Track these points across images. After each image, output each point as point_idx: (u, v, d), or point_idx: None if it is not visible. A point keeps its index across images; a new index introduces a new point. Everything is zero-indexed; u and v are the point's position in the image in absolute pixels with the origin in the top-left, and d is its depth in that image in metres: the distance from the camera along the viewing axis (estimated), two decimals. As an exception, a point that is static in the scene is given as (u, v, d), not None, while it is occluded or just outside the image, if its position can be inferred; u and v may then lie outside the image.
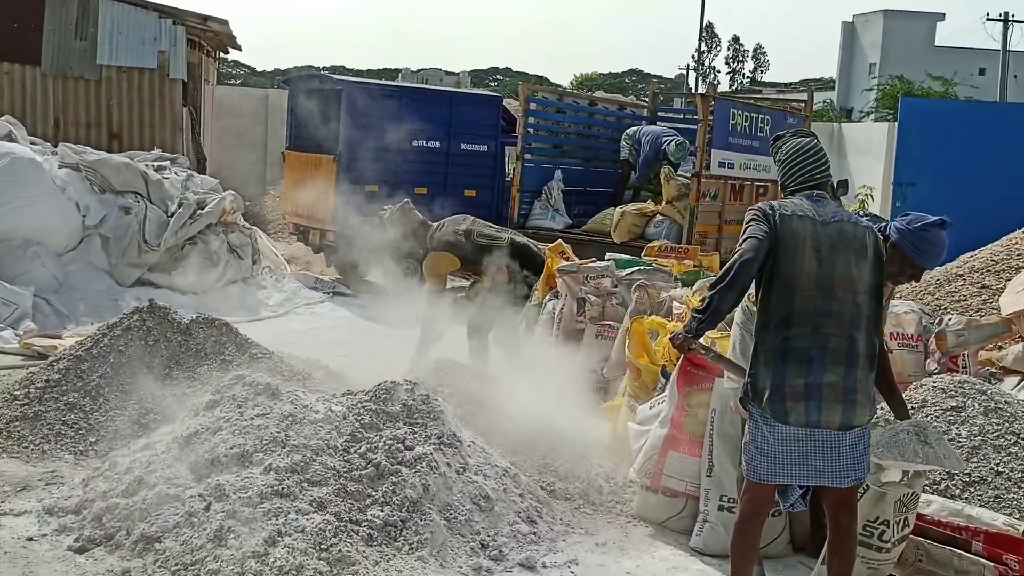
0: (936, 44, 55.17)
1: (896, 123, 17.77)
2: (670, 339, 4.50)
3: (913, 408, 5.85)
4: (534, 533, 5.19)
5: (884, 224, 4.86)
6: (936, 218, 4.71)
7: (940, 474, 5.41)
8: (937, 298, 8.97)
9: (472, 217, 7.96)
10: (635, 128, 13.99)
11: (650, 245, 10.14)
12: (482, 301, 7.65)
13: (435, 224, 7.84)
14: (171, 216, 11.47)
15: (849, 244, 4.12)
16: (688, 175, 12.33)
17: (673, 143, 13.25)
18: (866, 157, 21.13)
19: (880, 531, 4.71)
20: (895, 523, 4.74)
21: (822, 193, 4.26)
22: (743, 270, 4.12)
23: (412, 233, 7.75)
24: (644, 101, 16.64)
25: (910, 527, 4.84)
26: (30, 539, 4.91)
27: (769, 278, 4.16)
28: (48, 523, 5.09)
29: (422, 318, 7.90)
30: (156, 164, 12.50)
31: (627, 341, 6.95)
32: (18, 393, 6.43)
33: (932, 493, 5.29)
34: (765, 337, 4.14)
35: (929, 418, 5.72)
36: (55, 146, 12.20)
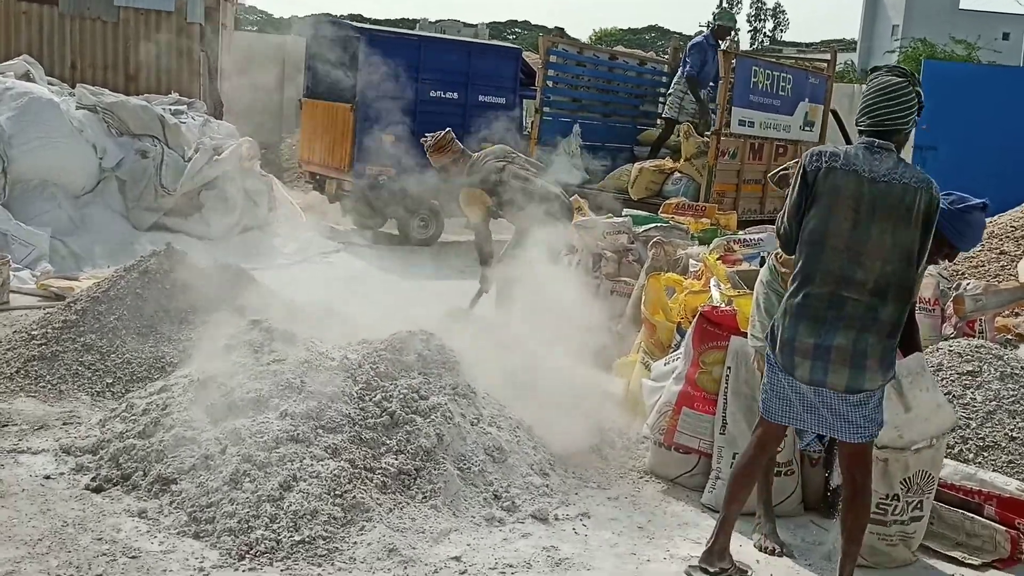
0: (960, 7, 54.51)
1: (918, 86, 17.60)
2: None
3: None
4: (547, 486, 5.22)
5: None
6: (979, 201, 4.61)
7: (954, 438, 5.42)
8: (955, 263, 8.93)
9: (514, 154, 7.81)
10: (675, 78, 13.80)
11: (668, 202, 10.11)
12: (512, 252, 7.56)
13: (476, 155, 7.70)
14: (188, 161, 11.45)
15: (893, 207, 3.98)
16: (708, 133, 12.25)
17: (718, 11, 13.07)
18: (886, 120, 20.91)
19: (893, 506, 4.71)
20: (905, 500, 4.73)
21: (886, 144, 4.07)
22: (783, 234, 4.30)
23: (452, 163, 7.64)
24: (664, 57, 16.47)
25: (925, 513, 4.82)
26: (47, 477, 4.96)
27: (801, 231, 4.14)
28: (65, 462, 5.14)
29: (476, 248, 7.80)
30: (173, 108, 12.46)
31: (643, 297, 6.95)
32: (36, 333, 6.47)
33: (946, 457, 5.29)
34: (791, 289, 4.17)
35: (944, 382, 5.72)
36: (72, 87, 12.16)
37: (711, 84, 13.30)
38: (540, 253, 7.14)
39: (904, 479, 4.69)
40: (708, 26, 13.93)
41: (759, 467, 4.47)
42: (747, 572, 4.55)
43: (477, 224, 7.62)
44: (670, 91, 13.76)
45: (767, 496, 4.98)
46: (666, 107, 13.80)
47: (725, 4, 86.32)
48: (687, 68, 13.25)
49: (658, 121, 14.26)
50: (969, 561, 4.82)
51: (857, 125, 4.18)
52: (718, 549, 4.45)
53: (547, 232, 7.21)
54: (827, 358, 4.05)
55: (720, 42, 13.36)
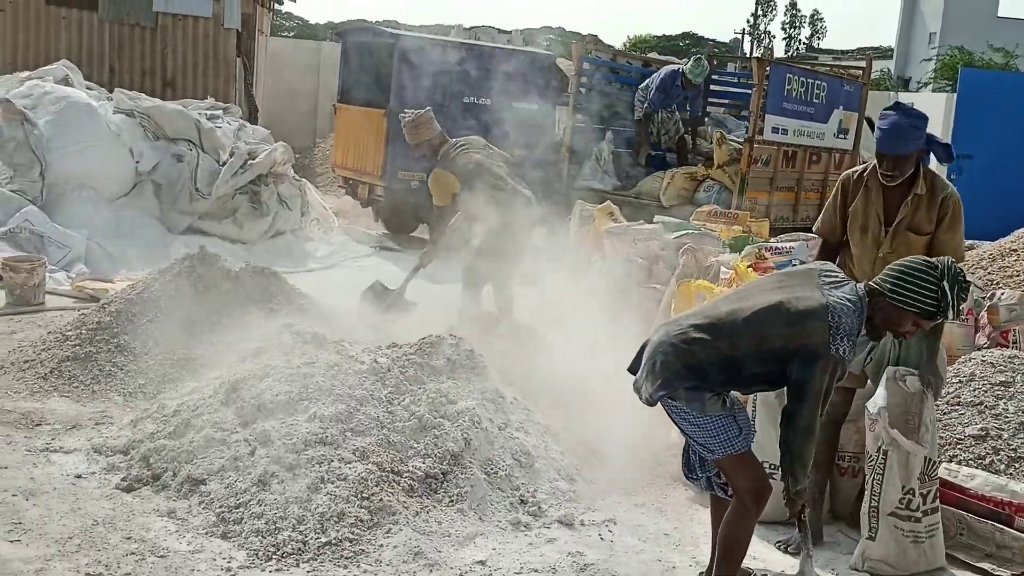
0: (999, 15, 53.95)
1: (954, 94, 17.45)
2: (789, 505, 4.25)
3: (961, 382, 5.80)
4: (573, 491, 5.22)
5: None
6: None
7: (985, 449, 5.37)
8: (990, 272, 8.84)
9: (492, 149, 7.85)
10: (646, 82, 13.78)
11: (699, 209, 10.08)
12: (480, 245, 7.60)
13: (454, 141, 7.74)
14: (222, 165, 11.54)
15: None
16: (740, 140, 12.20)
17: (691, 61, 13.06)
18: (922, 128, 20.75)
19: (908, 500, 4.70)
20: (920, 493, 4.71)
21: (863, 296, 4.03)
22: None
23: (428, 143, 7.67)
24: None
25: (937, 501, 4.80)
26: (79, 476, 5.02)
27: None
28: (97, 461, 5.20)
29: (431, 228, 7.87)
30: (209, 113, 12.56)
31: (673, 304, 6.93)
32: (70, 334, 6.55)
33: (976, 467, 5.25)
34: None
35: (977, 392, 5.67)
36: (110, 92, 12.30)
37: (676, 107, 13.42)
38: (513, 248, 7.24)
39: (921, 472, 4.69)
40: (691, 57, 14.02)
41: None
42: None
43: (441, 208, 7.61)
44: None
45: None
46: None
47: (760, 11, 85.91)
48: (645, 106, 13.36)
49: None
50: (998, 573, 4.77)
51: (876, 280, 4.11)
52: None
53: (513, 228, 7.31)
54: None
55: (686, 89, 13.32)
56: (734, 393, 4.18)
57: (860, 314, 3.94)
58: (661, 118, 13.37)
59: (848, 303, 3.92)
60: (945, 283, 3.92)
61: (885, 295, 3.98)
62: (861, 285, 4.06)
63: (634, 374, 4.19)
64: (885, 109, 4.95)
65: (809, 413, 3.89)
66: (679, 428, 4.14)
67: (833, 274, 4.12)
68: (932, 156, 5.02)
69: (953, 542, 4.96)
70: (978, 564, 4.85)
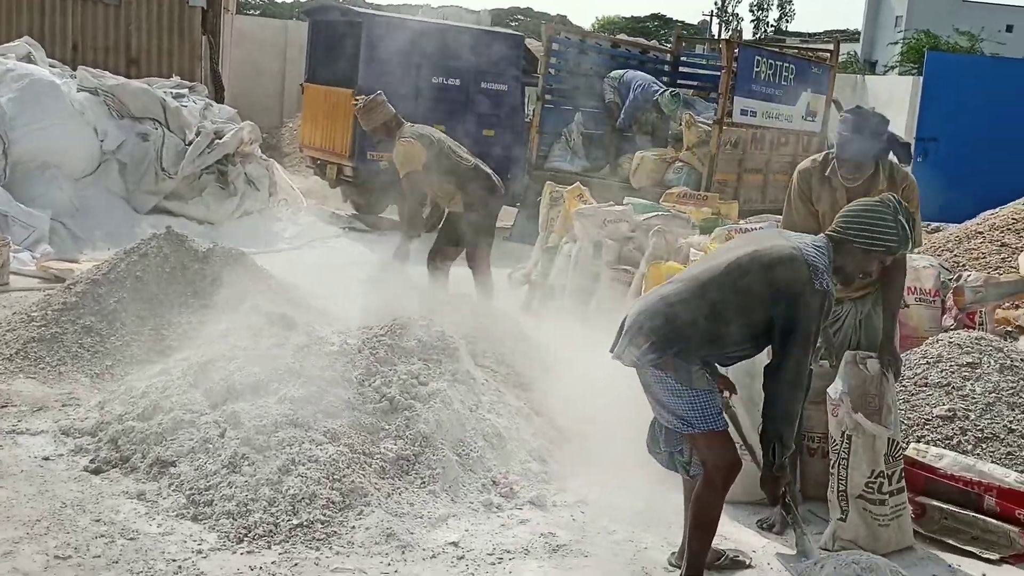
0: (964, -1, 54.39)
1: (920, 77, 17.56)
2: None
3: (928, 363, 5.85)
4: (545, 472, 5.23)
5: None
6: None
7: (953, 429, 5.42)
8: (956, 255, 8.94)
9: (445, 135, 7.85)
10: (620, 71, 13.80)
11: (669, 191, 10.10)
12: (444, 225, 7.60)
13: (408, 123, 7.71)
14: (188, 144, 11.43)
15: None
16: (710, 122, 12.23)
17: (668, 94, 13.13)
18: (888, 111, 20.79)
19: (878, 483, 4.73)
20: (887, 474, 4.75)
21: (824, 243, 4.13)
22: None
23: (384, 125, 7.62)
24: (667, 46, 16.44)
25: (903, 481, 4.84)
26: (46, 459, 4.97)
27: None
28: (64, 443, 5.15)
29: (406, 209, 7.82)
30: (174, 92, 12.42)
31: (643, 286, 6.94)
32: (35, 315, 6.46)
33: (944, 448, 5.30)
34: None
35: (944, 373, 5.72)
36: (74, 70, 12.13)
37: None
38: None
39: (886, 453, 4.73)
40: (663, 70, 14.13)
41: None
42: (745, 562, 4.55)
43: (414, 177, 7.42)
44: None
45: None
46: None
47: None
48: (621, 119, 13.52)
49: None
50: (986, 556, 4.82)
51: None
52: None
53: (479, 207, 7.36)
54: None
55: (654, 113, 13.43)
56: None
57: (828, 257, 4.02)
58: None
59: (815, 246, 4.01)
60: (900, 216, 4.06)
61: (851, 241, 4.05)
62: (821, 235, 4.14)
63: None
64: (846, 111, 4.90)
65: (797, 362, 3.90)
66: (655, 399, 4.10)
67: (791, 233, 4.25)
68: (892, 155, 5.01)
69: (939, 526, 4.99)
70: (966, 547, 4.89)
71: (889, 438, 4.75)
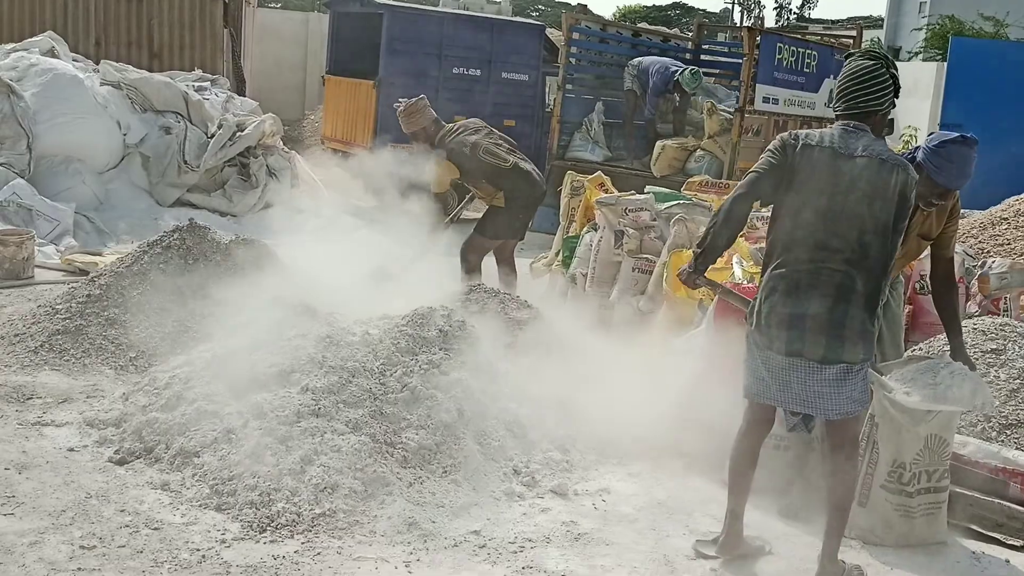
0: (989, -17, 53.83)
1: (944, 63, 17.42)
2: (677, 275, 4.45)
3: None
4: (567, 461, 5.23)
5: (916, 148, 4.83)
6: (957, 135, 4.70)
7: (976, 416, 5.39)
8: (980, 241, 8.88)
9: (487, 129, 7.80)
10: (639, 59, 13.70)
11: (690, 180, 10.06)
12: (484, 219, 7.61)
13: (448, 126, 7.70)
14: (211, 137, 11.47)
15: (870, 180, 4.00)
16: (731, 110, 12.18)
17: (688, 72, 12.99)
18: (913, 97, 20.76)
19: (898, 473, 4.69)
20: (913, 467, 4.70)
21: (860, 125, 4.10)
22: (736, 205, 4.22)
23: (423, 130, 7.63)
24: (688, 34, 16.37)
25: (945, 480, 4.79)
26: (71, 450, 5.01)
27: (779, 206, 4.19)
28: (89, 435, 5.19)
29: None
30: (196, 85, 12.48)
31: (665, 274, 6.92)
32: (60, 307, 6.51)
33: (968, 435, 5.26)
34: (767, 264, 4.22)
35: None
36: (97, 64, 12.19)
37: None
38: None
39: (920, 448, 4.67)
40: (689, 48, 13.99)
41: (748, 449, 4.41)
42: (763, 548, 4.55)
43: (438, 194, 7.55)
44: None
45: None
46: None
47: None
48: (647, 108, 13.32)
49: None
50: (1011, 542, 4.79)
51: (833, 111, 4.25)
52: (729, 541, 4.44)
53: (515, 205, 7.35)
54: (803, 327, 4.06)
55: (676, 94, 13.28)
56: None
57: (877, 139, 4.11)
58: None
59: (870, 140, 4.08)
60: (892, 69, 4.15)
61: (874, 112, 4.12)
62: (846, 123, 4.14)
63: (799, 354, 4.11)
64: (949, 142, 4.69)
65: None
66: (831, 392, 4.12)
67: (836, 133, 4.19)
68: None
69: (964, 513, 4.94)
70: (990, 534, 4.86)
71: (931, 434, 4.69)
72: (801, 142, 4.12)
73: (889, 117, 4.73)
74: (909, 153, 4.84)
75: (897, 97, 4.16)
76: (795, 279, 4.08)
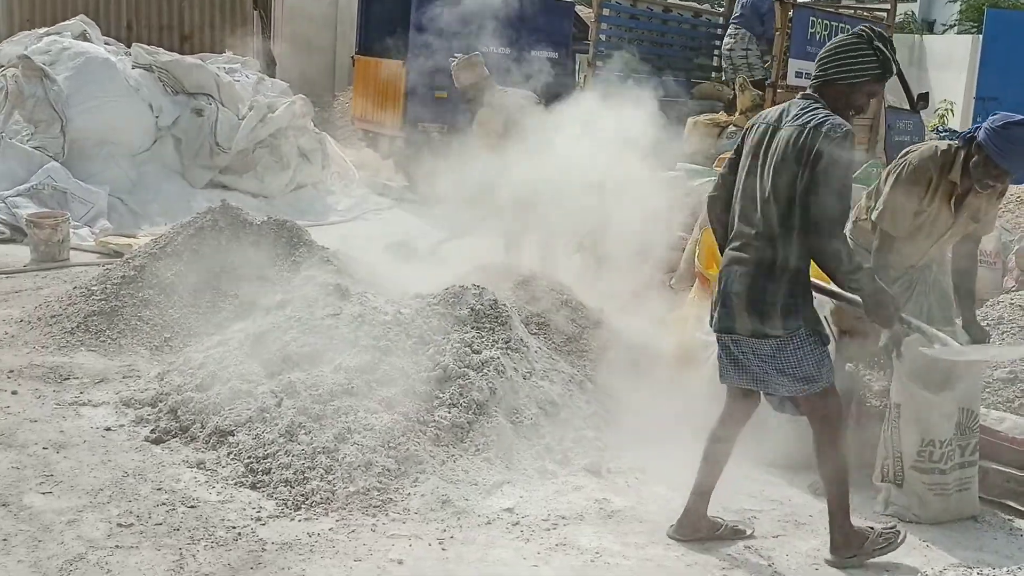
0: (1026, -46, 52.98)
1: (980, 36, 17.19)
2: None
3: (989, 325, 5.75)
4: (599, 439, 5.22)
5: (975, 127, 4.73)
6: (1020, 117, 4.57)
7: (1014, 392, 5.33)
8: (1017, 216, 8.74)
9: (537, 98, 7.77)
10: (727, 40, 13.33)
11: (721, 156, 9.98)
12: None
13: (502, 87, 7.72)
14: (242, 119, 11.51)
15: (780, 150, 3.96)
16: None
17: None
18: (947, 70, 20.47)
19: (929, 452, 4.65)
20: (944, 445, 4.66)
21: (813, 95, 4.06)
22: (708, 208, 4.36)
23: (476, 84, 7.64)
24: (719, 8, 16.21)
25: (976, 454, 4.75)
26: (108, 429, 5.06)
27: None
28: (125, 414, 5.24)
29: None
30: (227, 67, 12.52)
31: (697, 251, 6.88)
32: (95, 289, 6.57)
33: (1005, 411, 5.21)
34: None
35: (1005, 336, 5.62)
36: (128, 47, 12.25)
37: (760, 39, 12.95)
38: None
39: (958, 422, 4.64)
40: None
41: (724, 435, 4.36)
42: (743, 531, 4.49)
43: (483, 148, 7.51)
44: (734, 51, 13.19)
45: None
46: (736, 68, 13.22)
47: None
48: (765, 29, 12.79)
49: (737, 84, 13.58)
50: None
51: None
52: (685, 521, 4.36)
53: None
54: (731, 304, 4.07)
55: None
56: None
57: (823, 106, 3.99)
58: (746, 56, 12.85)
59: (806, 110, 3.98)
60: (877, 43, 4.01)
61: (833, 81, 4.03)
62: (804, 92, 4.11)
63: (726, 331, 4.13)
64: (1012, 124, 4.54)
65: (831, 204, 3.84)
66: (773, 369, 4.08)
67: (780, 110, 4.14)
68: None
69: (1001, 489, 4.90)
70: None
71: (963, 408, 4.66)
72: (751, 124, 4.17)
73: (924, 91, 4.69)
74: (968, 132, 4.75)
75: (882, 73, 4.04)
76: (727, 258, 4.12)
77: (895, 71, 4.10)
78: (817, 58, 4.13)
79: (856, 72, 4.01)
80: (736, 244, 4.10)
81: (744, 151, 4.15)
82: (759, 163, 4.04)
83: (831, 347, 4.27)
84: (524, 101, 7.57)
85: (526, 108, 7.49)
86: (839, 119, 3.92)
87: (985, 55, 15.08)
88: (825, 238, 3.87)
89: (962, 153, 4.70)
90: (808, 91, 4.10)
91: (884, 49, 4.01)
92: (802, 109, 4.00)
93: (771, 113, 4.14)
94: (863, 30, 4.08)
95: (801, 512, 4.71)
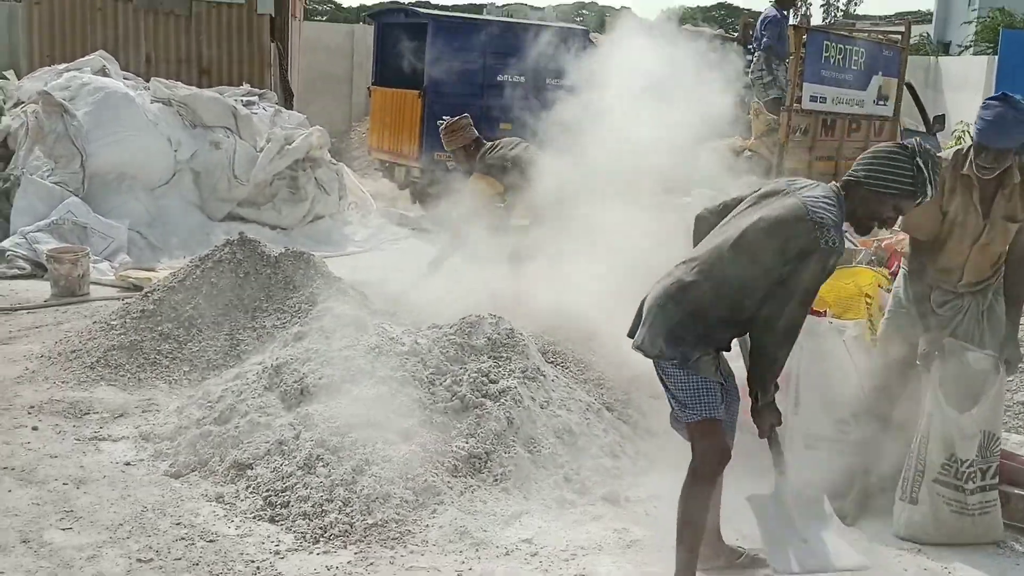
0: (1041, -27, 52.91)
1: (995, 57, 17.17)
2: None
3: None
4: (617, 467, 5.21)
5: None
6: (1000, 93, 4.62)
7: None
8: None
9: (527, 144, 7.82)
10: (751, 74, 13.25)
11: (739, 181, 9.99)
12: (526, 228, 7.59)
13: (489, 144, 7.74)
14: (260, 151, 11.60)
15: (774, 214, 3.84)
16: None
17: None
18: (963, 92, 20.45)
19: (953, 469, 4.64)
20: (979, 468, 4.63)
21: (838, 190, 3.94)
22: (695, 226, 4.36)
23: (464, 149, 7.68)
24: (734, 34, 16.24)
25: (996, 478, 4.71)
26: (128, 464, 5.09)
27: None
28: (144, 448, 5.26)
29: (452, 226, 7.84)
30: (245, 99, 12.62)
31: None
32: (115, 323, 6.62)
33: (1026, 435, 5.18)
34: None
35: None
36: (147, 81, 12.37)
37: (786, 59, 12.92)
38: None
39: (980, 444, 4.61)
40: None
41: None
42: (766, 560, 4.43)
43: (476, 205, 7.53)
44: (752, 74, 13.11)
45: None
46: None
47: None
48: (765, 39, 12.74)
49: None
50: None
51: None
52: (707, 549, 4.24)
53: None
54: (641, 309, 4.05)
55: (787, 12, 12.87)
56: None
57: (839, 208, 3.88)
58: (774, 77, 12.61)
59: (823, 199, 3.85)
60: (918, 160, 3.87)
61: (862, 183, 3.92)
62: (834, 183, 4.01)
63: (632, 337, 4.08)
64: (990, 99, 4.68)
65: (794, 313, 3.78)
66: (663, 382, 4.05)
67: (802, 181, 4.05)
68: None
69: (1022, 514, 4.87)
70: None
71: (984, 431, 4.63)
72: (767, 186, 4.12)
73: (940, 114, 4.68)
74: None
75: (914, 192, 3.88)
76: (668, 271, 4.03)
77: (930, 194, 3.93)
78: (861, 156, 4.05)
79: (887, 183, 3.89)
80: (682, 263, 4.01)
81: (749, 198, 4.08)
82: (751, 209, 3.96)
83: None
84: (516, 151, 7.57)
85: (522, 157, 7.49)
86: (838, 235, 3.78)
87: (1001, 75, 15.06)
88: (770, 336, 3.82)
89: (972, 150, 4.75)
90: (838, 184, 3.99)
91: (924, 169, 3.86)
92: (821, 199, 3.85)
93: (795, 181, 4.05)
94: (910, 144, 3.94)
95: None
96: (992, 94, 4.93)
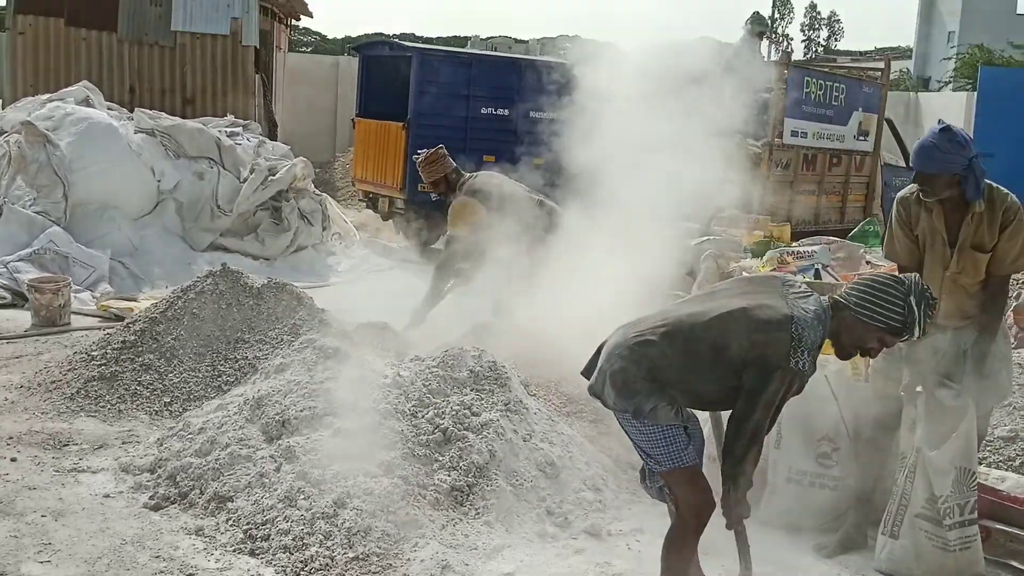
0: (1018, 12, 53.64)
1: (974, 93, 17.36)
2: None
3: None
4: (599, 501, 5.20)
5: None
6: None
7: (1015, 450, 5.32)
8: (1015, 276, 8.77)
9: (504, 176, 7.86)
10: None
11: (720, 215, 10.05)
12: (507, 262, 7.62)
13: (467, 175, 7.78)
14: (243, 182, 11.60)
15: (757, 304, 3.84)
16: (759, 144, 12.16)
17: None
18: (943, 128, 20.64)
19: (933, 502, 4.64)
20: (956, 504, 4.64)
21: (828, 306, 3.89)
22: None
23: (444, 179, 7.70)
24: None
25: (974, 513, 4.72)
26: (107, 496, 5.05)
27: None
28: (124, 480, 5.23)
29: (436, 266, 7.86)
30: (229, 130, 12.64)
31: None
32: (96, 353, 6.58)
33: (1006, 469, 5.20)
34: None
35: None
36: (131, 112, 12.39)
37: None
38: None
39: (954, 479, 4.62)
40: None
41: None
42: None
43: (458, 235, 7.56)
44: None
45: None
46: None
47: (776, 14, 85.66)
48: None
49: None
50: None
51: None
52: None
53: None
54: (599, 350, 4.05)
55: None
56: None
57: (823, 329, 3.84)
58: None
59: (811, 316, 3.79)
60: (912, 298, 3.82)
61: (851, 309, 3.88)
62: (826, 298, 3.95)
63: (588, 377, 4.06)
64: (932, 128, 4.76)
65: (757, 423, 3.76)
66: (628, 435, 4.03)
67: (797, 285, 4.02)
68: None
69: (1004, 549, 4.87)
70: None
71: (959, 467, 4.64)
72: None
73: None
74: None
75: (901, 329, 3.86)
76: (640, 319, 4.02)
77: (918, 335, 3.91)
78: (854, 280, 4.05)
79: (875, 315, 3.85)
80: (650, 317, 4.00)
81: (739, 280, 4.11)
82: (738, 296, 3.94)
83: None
84: (495, 181, 7.62)
85: (503, 187, 7.54)
86: (810, 360, 3.76)
87: (980, 111, 15.21)
88: (739, 439, 3.80)
89: None
90: (828, 303, 3.93)
91: (916, 309, 3.82)
92: (811, 316, 3.80)
93: (791, 284, 4.01)
94: (908, 279, 3.91)
95: (805, 574, 4.67)
96: (971, 130, 5.01)
